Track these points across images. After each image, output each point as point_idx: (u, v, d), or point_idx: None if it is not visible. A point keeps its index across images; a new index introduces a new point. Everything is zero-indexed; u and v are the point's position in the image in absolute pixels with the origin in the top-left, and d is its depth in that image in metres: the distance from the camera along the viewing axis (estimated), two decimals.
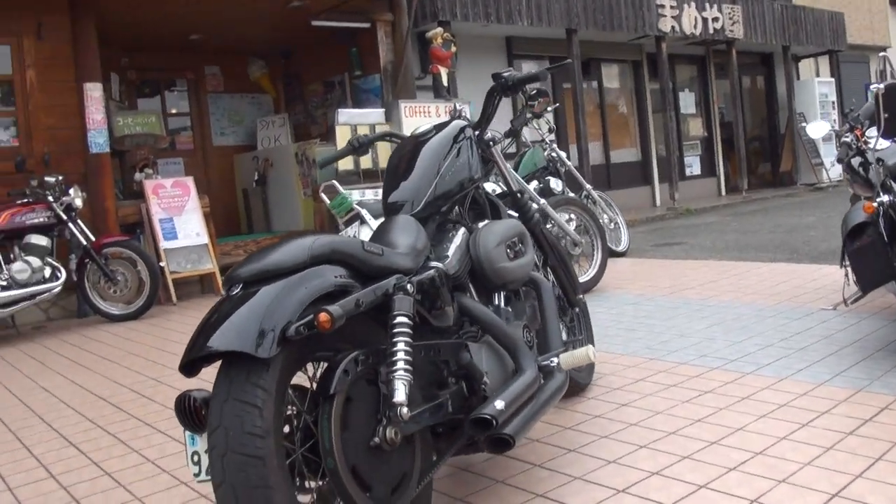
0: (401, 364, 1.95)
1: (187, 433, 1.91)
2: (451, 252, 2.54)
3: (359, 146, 3.24)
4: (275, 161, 10.29)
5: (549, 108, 8.01)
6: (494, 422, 2.13)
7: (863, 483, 2.36)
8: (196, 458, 1.85)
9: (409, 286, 2.08)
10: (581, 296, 3.48)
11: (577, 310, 3.47)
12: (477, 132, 3.00)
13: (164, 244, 7.59)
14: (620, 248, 7.92)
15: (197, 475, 1.85)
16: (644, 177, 14.25)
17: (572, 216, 6.36)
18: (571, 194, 7.46)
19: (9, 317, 6.51)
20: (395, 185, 2.66)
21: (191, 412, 1.85)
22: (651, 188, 14.26)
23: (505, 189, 3.33)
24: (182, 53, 10.69)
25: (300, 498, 1.87)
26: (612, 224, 7.92)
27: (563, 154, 7.56)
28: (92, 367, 5.01)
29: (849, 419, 2.88)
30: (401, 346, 1.98)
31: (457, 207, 2.83)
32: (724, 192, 15.61)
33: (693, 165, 15.47)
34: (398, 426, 1.94)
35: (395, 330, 2.00)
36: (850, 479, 2.39)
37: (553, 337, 2.79)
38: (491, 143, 3.05)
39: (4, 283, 6.17)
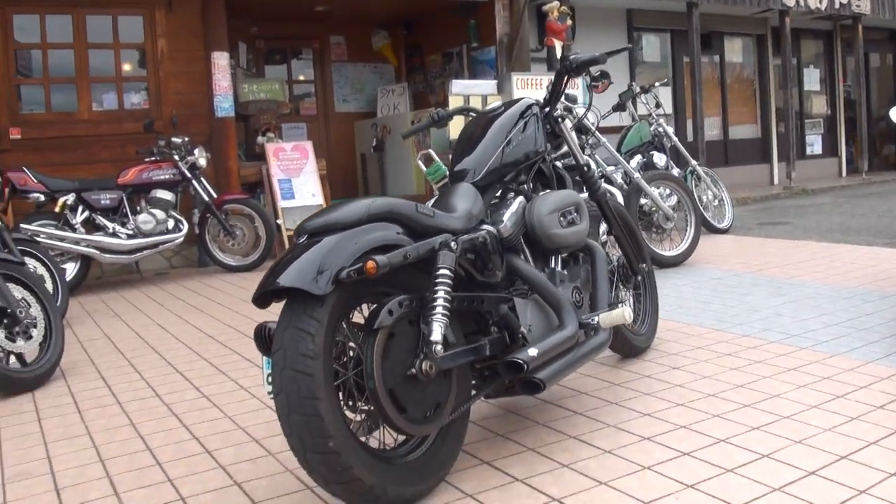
0: (439, 309, 2.29)
1: (264, 358, 2.31)
2: (506, 217, 2.85)
3: (438, 119, 3.57)
4: (393, 128, 10.73)
5: (658, 84, 8.15)
6: (525, 366, 2.45)
7: (874, 450, 2.54)
8: (269, 378, 2.23)
9: (453, 244, 2.41)
10: (645, 264, 3.75)
11: (639, 277, 3.74)
12: (546, 109, 3.28)
13: (281, 203, 8.15)
14: (723, 225, 7.99)
15: (269, 392, 2.23)
16: (763, 154, 14.04)
17: (668, 191, 6.54)
18: (676, 170, 7.63)
19: (134, 263, 7.21)
20: (462, 156, 2.98)
21: (267, 339, 2.25)
22: (769, 166, 14.05)
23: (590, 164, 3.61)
24: (309, 23, 11.23)
25: (351, 415, 2.26)
26: (717, 201, 8.00)
27: (669, 129, 7.71)
28: (205, 310, 5.59)
29: (883, 395, 3.04)
30: (441, 293, 2.32)
31: (522, 177, 3.14)
32: (844, 174, 15.21)
33: (814, 144, 15.10)
34: (433, 360, 2.28)
35: (437, 280, 2.34)
36: (864, 446, 2.58)
37: (601, 298, 3.07)
38: (559, 119, 3.33)
39: (130, 232, 6.82)
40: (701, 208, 7.45)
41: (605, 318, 2.90)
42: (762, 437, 2.69)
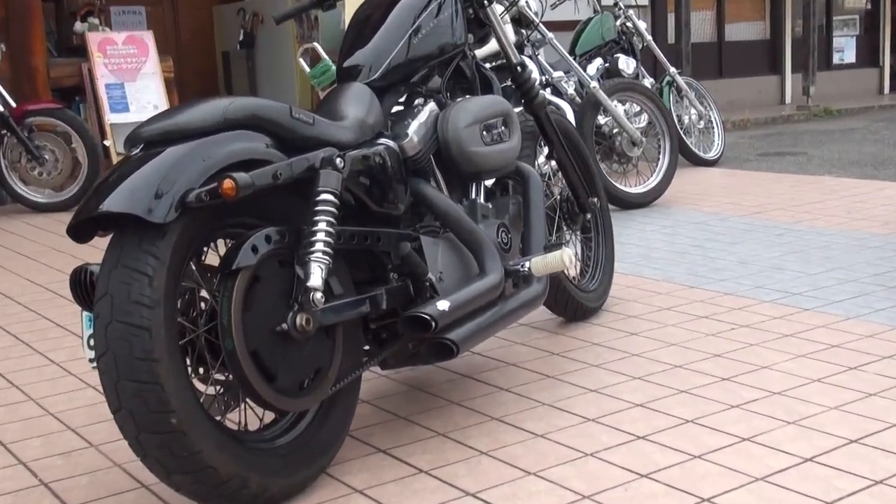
0: (319, 246, 2.39)
1: (84, 314, 2.38)
2: (412, 129, 2.95)
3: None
4: (266, 16, 10.61)
5: None
6: (434, 323, 2.58)
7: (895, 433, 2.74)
8: (91, 340, 2.26)
9: (339, 161, 2.51)
10: (598, 199, 3.93)
11: (589, 217, 3.92)
12: None
13: (110, 116, 8.09)
14: (710, 155, 8.26)
15: (92, 360, 2.27)
16: (771, 63, 14.34)
17: (636, 107, 6.74)
18: (648, 80, 7.83)
19: None
20: (354, 48, 3.06)
21: (87, 287, 2.32)
22: (780, 79, 14.37)
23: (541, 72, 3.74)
24: None
25: (202, 387, 2.36)
26: (703, 123, 8.24)
27: (641, 25, 7.87)
28: (2, 264, 5.62)
29: None
30: (321, 226, 2.41)
31: (435, 78, 3.24)
32: (886, 90, 15.62)
33: (845, 50, 15.39)
34: (311, 313, 2.39)
35: (318, 209, 2.43)
36: (883, 427, 2.76)
37: (535, 240, 3.23)
38: (487, 2, 3.43)
39: None
40: (680, 132, 7.70)
41: (539, 264, 3.04)
42: (742, 416, 2.88)
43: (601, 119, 6.45)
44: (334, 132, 2.63)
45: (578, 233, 4.00)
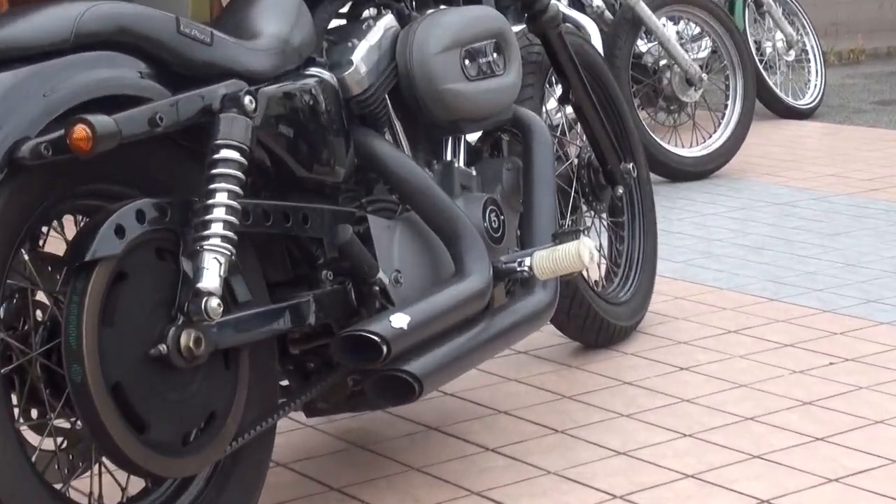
0: (216, 228, 2.36)
1: None
2: (358, 55, 2.95)
3: None
4: None
5: None
6: (385, 347, 2.58)
7: None
8: None
9: (248, 100, 2.49)
10: (631, 165, 3.93)
11: (621, 192, 3.95)
12: None
13: None
14: (803, 103, 8.25)
15: None
16: None
17: (694, 28, 6.74)
18: None
19: None
20: None
21: None
22: None
23: None
24: None
25: (35, 439, 2.34)
26: (792, 53, 8.22)
27: None
28: None
29: None
30: (220, 198, 2.38)
31: None
32: None
33: None
34: (202, 330, 2.37)
35: (214, 172, 2.40)
36: None
37: (539, 224, 3.24)
38: None
39: None
40: (759, 67, 7.73)
41: (545, 262, 3.02)
42: (844, 495, 2.91)
43: (642, 45, 6.46)
44: (242, 57, 2.62)
45: (605, 216, 4.03)
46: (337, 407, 2.95)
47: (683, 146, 6.55)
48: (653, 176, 4.56)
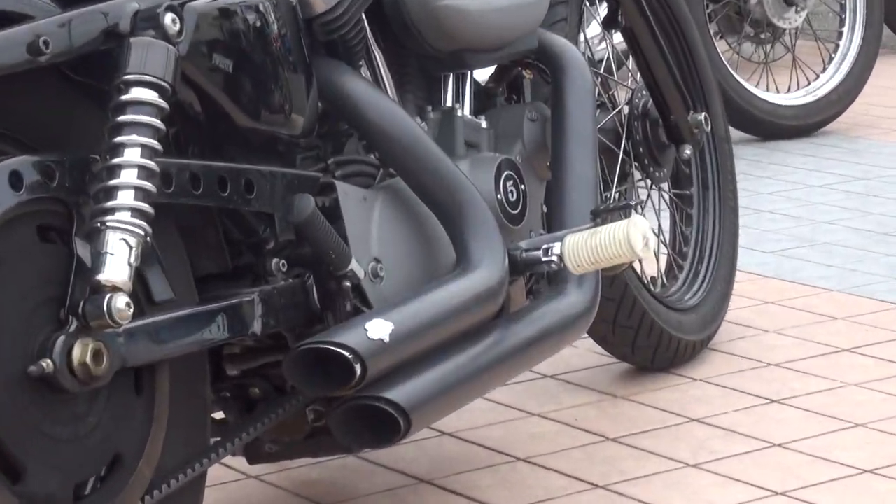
0: (125, 198, 2.29)
1: None
2: None
3: None
4: None
5: None
6: (357, 367, 2.52)
7: None
8: None
9: (169, 18, 2.43)
10: (704, 115, 3.88)
11: (685, 153, 3.90)
12: None
13: None
14: None
15: None
16: None
17: None
18: None
19: None
20: None
21: None
22: None
23: None
24: None
25: None
26: None
27: None
28: None
29: None
30: (131, 156, 2.31)
31: None
32: None
33: None
34: (104, 339, 2.29)
35: (123, 119, 2.31)
36: None
37: (574, 197, 3.17)
38: None
39: None
40: None
41: (582, 249, 2.95)
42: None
43: None
44: None
45: (666, 186, 3.97)
46: (291, 450, 2.88)
47: (778, 91, 6.49)
48: (735, 132, 4.50)
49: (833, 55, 6.68)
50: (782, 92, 6.48)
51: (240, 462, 3.04)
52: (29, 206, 2.28)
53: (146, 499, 2.46)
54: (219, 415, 2.79)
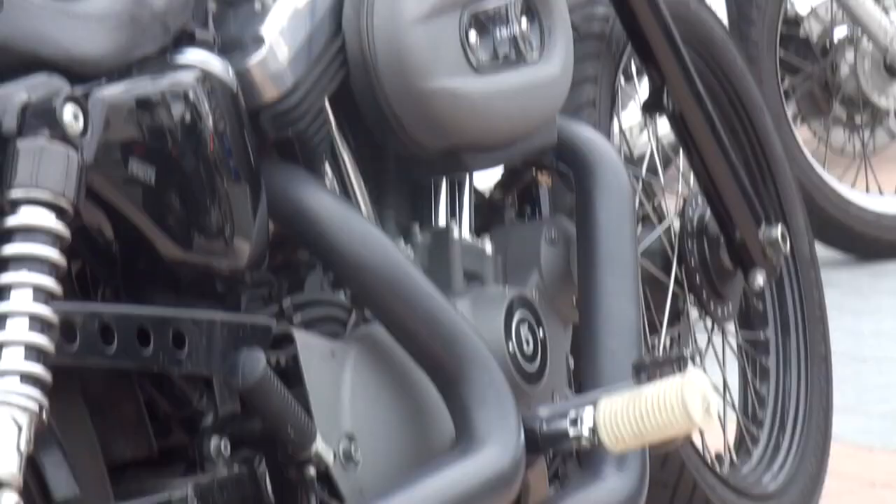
0: (12, 361, 2.34)
1: None
2: (271, 26, 3.01)
3: None
4: None
5: None
6: None
7: None
8: None
9: (69, 111, 2.50)
10: (781, 227, 3.96)
11: (760, 282, 3.99)
12: None
13: None
14: None
15: None
16: None
17: None
18: None
19: None
20: None
21: None
22: None
23: None
24: None
25: None
26: None
27: None
28: None
29: None
30: (20, 302, 2.35)
31: None
32: None
33: None
34: None
35: (7, 251, 2.36)
36: None
37: (609, 345, 3.29)
38: None
39: None
40: None
41: (620, 420, 3.04)
42: None
43: (799, 3, 6.54)
44: (58, 31, 2.66)
45: (733, 328, 4.07)
46: None
47: (882, 193, 6.55)
48: (823, 251, 4.57)
49: None
50: (887, 194, 6.50)
51: None
52: None
53: None
54: None
